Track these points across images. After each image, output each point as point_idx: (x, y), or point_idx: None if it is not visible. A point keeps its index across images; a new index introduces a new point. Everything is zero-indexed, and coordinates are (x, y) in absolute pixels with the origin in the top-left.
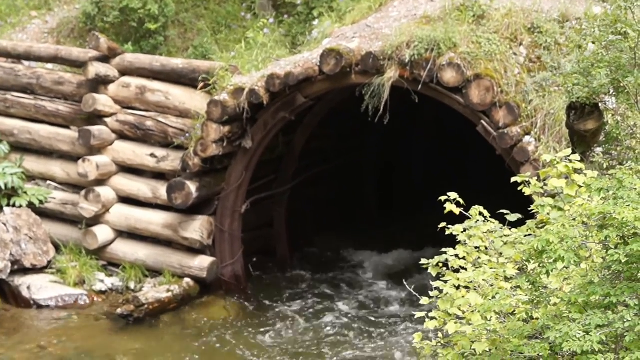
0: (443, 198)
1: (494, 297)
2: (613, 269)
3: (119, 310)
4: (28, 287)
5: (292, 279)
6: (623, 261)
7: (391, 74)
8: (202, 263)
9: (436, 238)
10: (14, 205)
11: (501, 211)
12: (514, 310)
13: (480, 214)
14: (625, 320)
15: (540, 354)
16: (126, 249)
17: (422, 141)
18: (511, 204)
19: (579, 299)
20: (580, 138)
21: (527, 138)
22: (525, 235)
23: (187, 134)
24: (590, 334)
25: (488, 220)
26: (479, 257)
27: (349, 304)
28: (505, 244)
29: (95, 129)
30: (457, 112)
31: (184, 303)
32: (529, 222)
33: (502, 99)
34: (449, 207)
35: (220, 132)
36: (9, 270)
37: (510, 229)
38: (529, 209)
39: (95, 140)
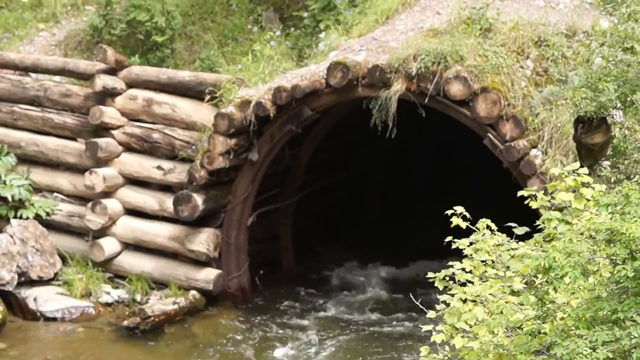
0: (449, 212)
1: (501, 312)
2: (621, 284)
3: (125, 323)
4: (34, 299)
5: (298, 291)
6: (630, 276)
7: (398, 86)
8: (208, 275)
9: (442, 249)
10: (20, 217)
11: (509, 224)
12: (521, 325)
13: (488, 227)
14: (632, 337)
15: None
16: (132, 261)
17: (426, 151)
18: (516, 214)
19: (586, 314)
20: (587, 151)
21: (534, 151)
22: (533, 249)
23: (194, 147)
24: (597, 350)
25: (495, 233)
26: (486, 271)
27: (355, 316)
28: (512, 257)
29: (102, 141)
30: (461, 124)
31: (190, 315)
32: (536, 235)
33: (509, 112)
34: (456, 221)
35: (227, 145)
36: (15, 282)
37: (517, 241)
38: (536, 222)
39: (102, 152)
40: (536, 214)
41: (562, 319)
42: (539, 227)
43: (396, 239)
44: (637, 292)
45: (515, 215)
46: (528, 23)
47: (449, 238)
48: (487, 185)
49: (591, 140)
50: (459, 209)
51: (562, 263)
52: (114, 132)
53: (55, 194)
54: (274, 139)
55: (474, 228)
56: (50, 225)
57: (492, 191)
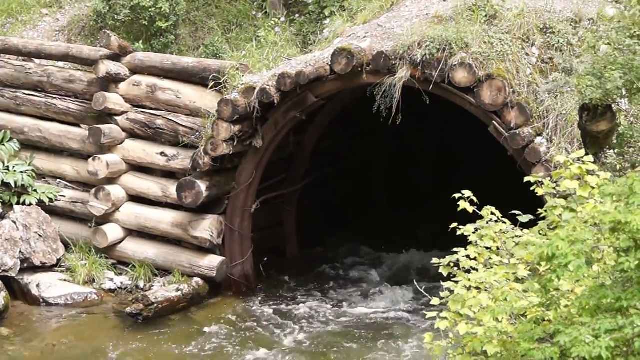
0: (457, 195)
1: (505, 299)
2: (626, 274)
3: (128, 309)
4: (37, 285)
5: (302, 278)
6: (634, 266)
7: (402, 73)
8: (211, 262)
9: (446, 237)
10: (24, 203)
11: (513, 212)
12: (525, 312)
13: (492, 214)
14: (635, 326)
15: (551, 357)
16: (136, 248)
17: (430, 139)
18: (519, 203)
19: (590, 303)
20: (592, 139)
21: (538, 139)
22: (537, 237)
23: (198, 133)
24: (599, 339)
25: (500, 220)
26: (490, 258)
27: (360, 304)
28: (516, 244)
29: (105, 127)
30: (466, 111)
31: (194, 302)
32: (540, 223)
33: (513, 99)
34: (463, 204)
35: (231, 131)
36: (18, 268)
37: (522, 229)
38: (539, 211)
39: (106, 138)
40: (539, 203)
41: (566, 306)
42: (543, 215)
43: (401, 225)
44: None
45: (517, 204)
46: (533, 10)
47: (454, 224)
48: (489, 175)
49: (596, 128)
50: (467, 192)
51: (565, 251)
52: (117, 118)
53: (58, 180)
54: (278, 126)
55: (480, 213)
56: (54, 212)
57: (494, 180)
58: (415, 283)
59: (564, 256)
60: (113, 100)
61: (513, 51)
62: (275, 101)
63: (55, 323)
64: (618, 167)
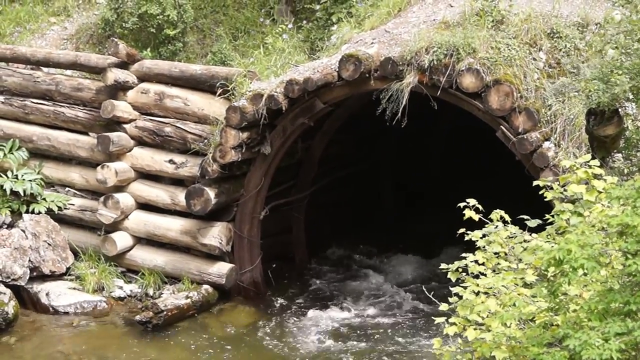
0: (462, 205)
1: (513, 305)
2: (634, 277)
3: (137, 317)
4: (47, 294)
5: (311, 285)
6: None
7: (410, 79)
8: (220, 269)
9: (454, 242)
10: (33, 212)
11: (521, 216)
12: (534, 317)
13: (501, 218)
14: None
15: None
16: (145, 256)
17: (438, 143)
18: (529, 207)
19: (599, 307)
20: (599, 143)
21: (546, 143)
22: (546, 241)
23: (206, 140)
24: (609, 342)
25: (508, 224)
26: (499, 263)
27: (369, 310)
28: (524, 249)
29: (114, 135)
30: (473, 115)
31: (203, 310)
32: (548, 227)
33: (521, 104)
34: (468, 213)
35: (239, 138)
36: (27, 277)
37: (530, 234)
38: (546, 215)
39: (114, 146)
40: (546, 207)
41: (574, 311)
42: (550, 219)
43: (410, 231)
44: None
45: (526, 209)
46: (540, 15)
47: (461, 230)
48: (498, 179)
49: (603, 132)
50: (472, 201)
51: (576, 255)
52: (125, 126)
53: (67, 188)
54: (287, 132)
55: (486, 220)
56: (63, 220)
57: (503, 185)
58: (424, 289)
59: (574, 260)
60: (121, 108)
61: (520, 56)
62: (283, 108)
63: (65, 332)
64: (625, 171)
